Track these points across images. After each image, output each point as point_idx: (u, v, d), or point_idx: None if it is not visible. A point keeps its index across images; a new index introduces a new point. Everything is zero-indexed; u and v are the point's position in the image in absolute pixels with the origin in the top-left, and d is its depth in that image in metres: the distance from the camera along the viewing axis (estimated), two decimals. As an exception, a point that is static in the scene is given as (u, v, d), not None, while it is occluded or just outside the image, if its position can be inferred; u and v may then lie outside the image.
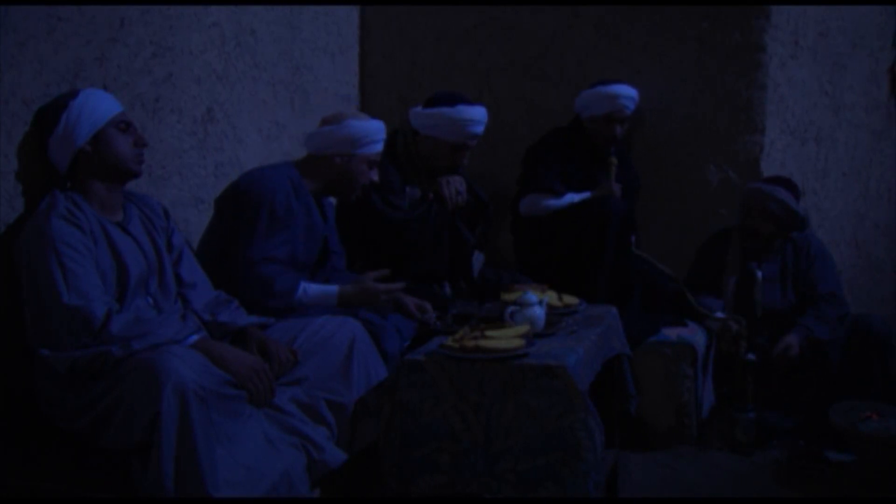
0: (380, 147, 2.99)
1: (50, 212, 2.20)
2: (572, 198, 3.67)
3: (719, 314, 3.55)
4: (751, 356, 3.39)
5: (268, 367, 2.28)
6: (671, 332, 3.50)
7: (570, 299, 2.89)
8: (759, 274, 3.51)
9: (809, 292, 3.60)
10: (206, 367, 2.11)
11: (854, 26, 4.29)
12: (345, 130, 2.93)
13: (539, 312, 2.55)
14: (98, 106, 2.34)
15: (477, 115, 3.28)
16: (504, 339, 2.33)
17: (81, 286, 2.12)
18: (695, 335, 3.53)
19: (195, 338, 2.22)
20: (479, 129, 3.31)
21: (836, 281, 3.68)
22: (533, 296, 2.59)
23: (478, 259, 3.66)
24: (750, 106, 3.95)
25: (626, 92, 3.75)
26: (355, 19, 4.33)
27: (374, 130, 2.97)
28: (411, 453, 2.30)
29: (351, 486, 2.46)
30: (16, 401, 2.29)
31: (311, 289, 2.81)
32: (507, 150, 4.13)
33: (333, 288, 2.84)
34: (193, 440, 1.96)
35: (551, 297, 2.81)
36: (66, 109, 2.31)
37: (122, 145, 2.36)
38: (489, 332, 2.38)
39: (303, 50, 3.85)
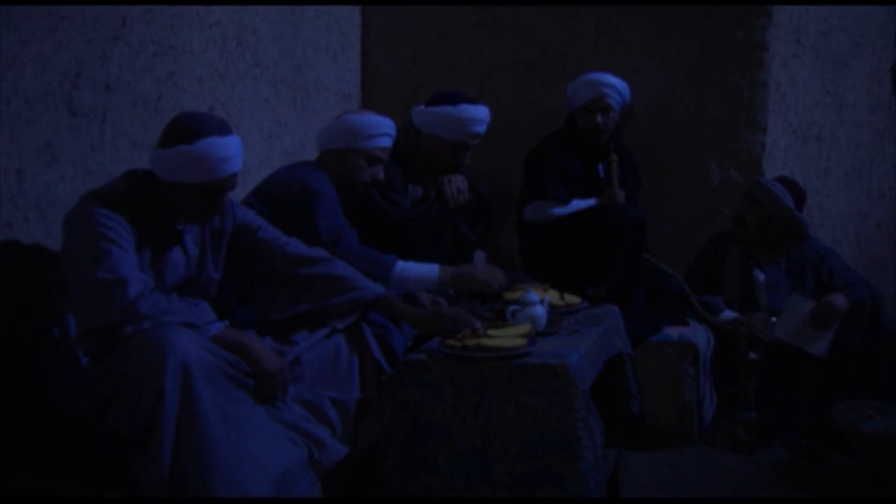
0: (381, 142, 2.95)
1: (112, 194, 2.19)
2: (578, 204, 3.68)
3: (728, 313, 3.53)
4: (752, 355, 3.39)
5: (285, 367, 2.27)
6: (673, 331, 3.50)
7: (571, 298, 2.89)
8: (761, 277, 3.51)
9: (829, 286, 3.56)
10: (215, 349, 2.10)
11: (856, 25, 4.29)
12: (340, 124, 2.92)
13: (540, 311, 2.55)
14: (216, 161, 2.22)
15: (479, 114, 3.28)
16: (506, 338, 2.33)
17: (117, 265, 2.09)
18: (696, 334, 3.52)
19: (219, 326, 2.19)
20: (481, 128, 3.31)
21: (851, 270, 3.66)
22: (534, 295, 2.59)
23: (479, 258, 3.66)
24: (752, 105, 3.95)
25: (607, 80, 3.73)
26: (356, 18, 4.33)
27: (370, 124, 2.92)
28: (412, 453, 2.30)
29: (353, 486, 2.46)
30: (20, 391, 2.29)
31: (411, 268, 2.83)
32: (509, 149, 4.13)
33: (434, 267, 2.85)
34: (196, 416, 1.94)
35: (553, 296, 2.81)
36: (195, 142, 2.19)
37: (198, 204, 2.27)
38: (491, 331, 2.38)
39: (304, 49, 3.86)
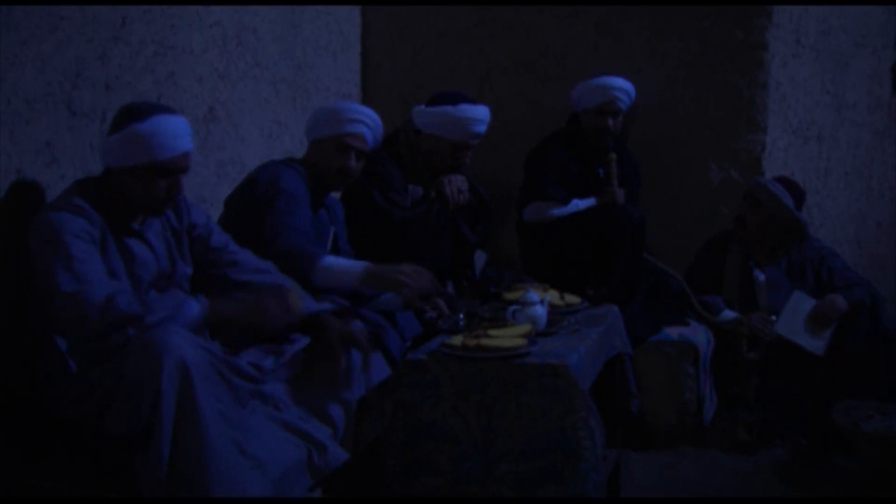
0: (351, 128, 2.86)
1: (64, 202, 2.19)
2: (577, 204, 3.68)
3: (728, 313, 3.53)
4: (752, 355, 3.38)
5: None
6: (673, 331, 3.50)
7: (571, 298, 2.89)
8: (761, 277, 3.51)
9: (829, 286, 3.57)
10: (213, 349, 2.09)
11: (856, 25, 4.29)
12: (316, 114, 2.93)
13: (541, 311, 2.55)
14: (166, 137, 2.22)
15: (479, 114, 3.28)
16: (506, 338, 2.33)
17: (81, 273, 2.08)
18: (696, 334, 3.53)
19: (195, 306, 2.16)
20: (482, 128, 3.31)
21: (851, 270, 3.67)
22: (535, 295, 2.59)
23: (480, 258, 3.66)
24: (752, 105, 3.95)
25: (619, 84, 3.74)
26: (357, 18, 4.33)
27: (340, 110, 2.88)
28: (412, 453, 2.30)
29: (354, 486, 2.46)
30: (19, 394, 2.28)
31: (337, 261, 2.68)
32: (509, 149, 4.13)
33: (362, 263, 2.70)
34: (194, 417, 1.93)
35: (553, 296, 2.81)
36: (145, 120, 2.21)
37: (152, 189, 2.25)
38: (491, 331, 2.38)
39: (304, 49, 3.86)
